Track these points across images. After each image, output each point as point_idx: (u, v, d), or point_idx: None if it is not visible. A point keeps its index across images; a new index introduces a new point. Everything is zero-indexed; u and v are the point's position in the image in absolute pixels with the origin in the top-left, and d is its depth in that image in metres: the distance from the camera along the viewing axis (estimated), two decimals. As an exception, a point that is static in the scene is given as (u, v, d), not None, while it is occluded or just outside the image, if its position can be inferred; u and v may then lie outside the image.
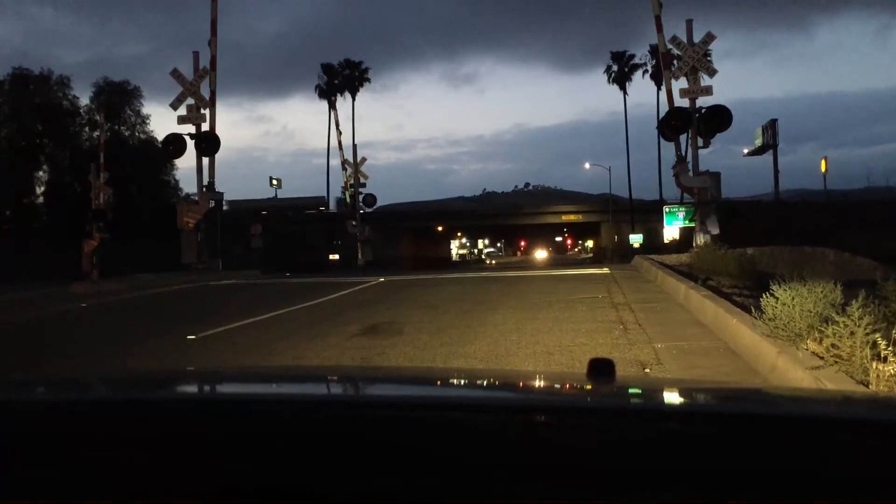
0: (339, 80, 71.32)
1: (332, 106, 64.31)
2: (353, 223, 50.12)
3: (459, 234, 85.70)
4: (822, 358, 5.44)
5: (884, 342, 4.70)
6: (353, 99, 71.67)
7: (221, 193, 32.63)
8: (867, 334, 5.02)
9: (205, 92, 30.90)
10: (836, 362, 5.14)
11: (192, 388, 2.10)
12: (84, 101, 47.73)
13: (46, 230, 42.00)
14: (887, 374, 4.54)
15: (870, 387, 4.61)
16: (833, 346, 5.28)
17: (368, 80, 73.84)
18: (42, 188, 47.85)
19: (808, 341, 6.00)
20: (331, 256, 52.46)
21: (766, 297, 7.06)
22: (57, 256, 33.24)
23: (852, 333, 5.12)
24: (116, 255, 31.61)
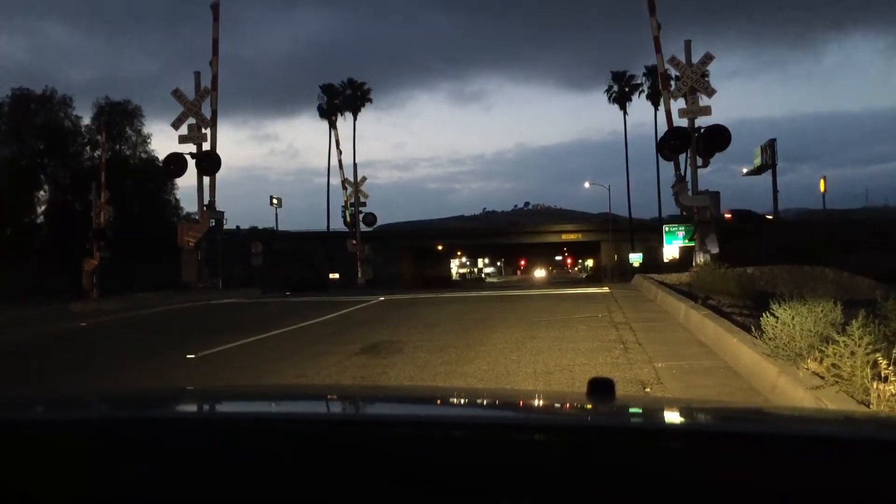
0: (340, 100, 71.44)
1: (332, 125, 64.45)
2: (354, 242, 50.19)
3: (459, 252, 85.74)
4: (822, 378, 5.44)
5: (885, 362, 4.70)
6: (355, 119, 71.79)
7: (222, 212, 32.67)
8: (868, 354, 5.02)
9: (207, 111, 31.05)
10: (836, 382, 5.13)
11: (191, 407, 2.10)
12: (86, 120, 47.97)
13: (47, 249, 41.99)
14: (888, 393, 4.53)
15: (871, 406, 4.60)
16: (834, 365, 5.27)
17: (370, 100, 73.96)
18: (43, 207, 47.95)
19: (809, 361, 5.99)
20: (331, 275, 52.43)
21: (767, 316, 7.06)
22: (57, 275, 33.27)
23: (853, 353, 5.11)
24: (117, 273, 31.61)
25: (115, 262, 31.65)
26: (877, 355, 4.91)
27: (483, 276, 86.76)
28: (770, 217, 52.72)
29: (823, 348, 5.72)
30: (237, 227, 63.38)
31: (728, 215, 59.21)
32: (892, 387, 4.54)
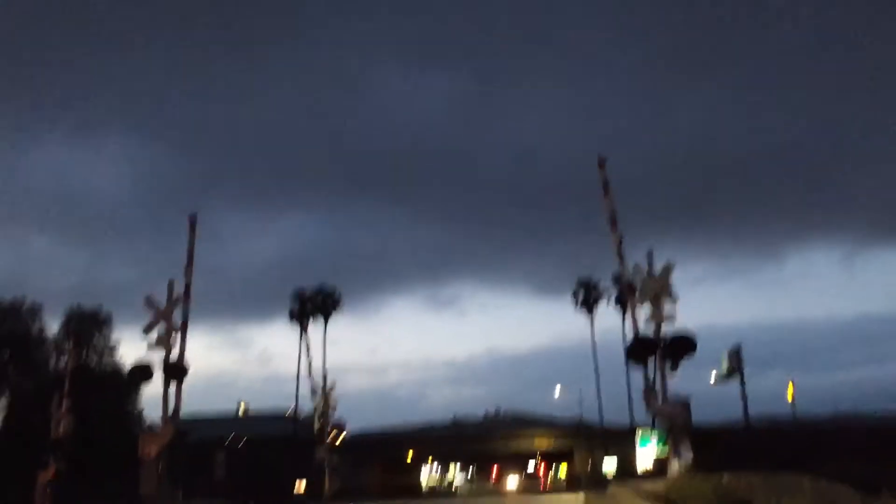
0: (311, 307, 72.04)
1: (304, 330, 64.67)
2: (322, 452, 48.92)
3: (431, 458, 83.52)
4: None
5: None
6: (325, 325, 71.97)
7: (187, 422, 31.95)
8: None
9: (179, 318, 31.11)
10: None
11: None
12: (54, 327, 47.80)
13: (1, 461, 40.41)
14: None
15: None
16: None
17: (340, 305, 74.69)
18: (2, 415, 46.68)
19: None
20: (298, 482, 50.62)
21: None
22: (9, 488, 31.80)
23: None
24: (73, 486, 30.35)
25: (71, 474, 30.48)
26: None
27: (453, 489, 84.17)
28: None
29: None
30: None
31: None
32: None
